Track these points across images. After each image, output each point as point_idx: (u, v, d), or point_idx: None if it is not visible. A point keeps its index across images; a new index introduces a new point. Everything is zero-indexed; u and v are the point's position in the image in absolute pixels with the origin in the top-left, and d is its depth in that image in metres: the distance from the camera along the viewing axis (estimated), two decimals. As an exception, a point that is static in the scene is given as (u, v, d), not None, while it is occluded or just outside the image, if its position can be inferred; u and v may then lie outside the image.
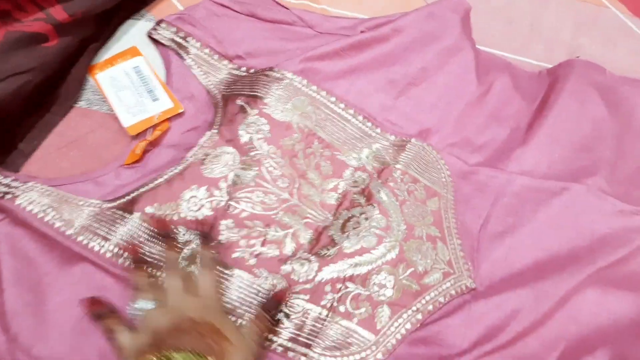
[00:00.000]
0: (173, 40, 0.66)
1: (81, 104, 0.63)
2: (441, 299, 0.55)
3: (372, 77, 0.67)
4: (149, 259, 0.52)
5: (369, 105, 0.66)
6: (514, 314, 0.53)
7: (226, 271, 0.53)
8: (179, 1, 0.72)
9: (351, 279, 0.54)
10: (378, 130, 0.64)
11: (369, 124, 0.64)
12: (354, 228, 0.56)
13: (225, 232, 0.54)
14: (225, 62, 0.67)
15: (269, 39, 0.69)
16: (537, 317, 0.53)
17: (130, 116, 0.61)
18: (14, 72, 0.54)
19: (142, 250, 0.53)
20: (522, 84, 0.72)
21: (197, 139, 0.60)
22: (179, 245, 0.53)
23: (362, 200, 0.58)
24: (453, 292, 0.55)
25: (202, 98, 0.65)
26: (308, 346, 0.52)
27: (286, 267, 0.54)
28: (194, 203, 0.55)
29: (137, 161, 0.59)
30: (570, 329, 0.54)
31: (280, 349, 0.51)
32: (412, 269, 0.55)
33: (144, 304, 0.48)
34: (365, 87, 0.66)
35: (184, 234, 0.54)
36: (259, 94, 0.61)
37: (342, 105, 0.64)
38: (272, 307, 0.52)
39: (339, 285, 0.54)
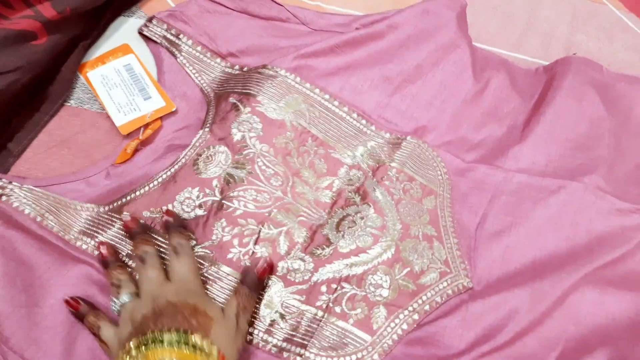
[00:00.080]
0: (165, 38, 0.66)
1: (71, 102, 0.62)
2: (438, 299, 0.54)
3: (367, 75, 0.66)
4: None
5: (363, 102, 0.65)
6: (511, 314, 0.53)
7: (220, 271, 0.53)
8: (170, -2, 0.71)
9: (347, 279, 0.53)
10: (373, 127, 0.64)
11: (364, 122, 0.64)
12: (349, 227, 0.56)
13: (219, 231, 0.54)
14: (218, 59, 0.66)
15: (262, 36, 0.68)
16: (535, 316, 0.52)
17: (121, 115, 0.61)
18: (1, 71, 0.54)
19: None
20: (518, 81, 0.71)
21: (190, 138, 0.59)
22: (153, 239, 0.53)
23: (357, 199, 0.58)
24: (450, 291, 0.55)
25: (195, 96, 0.64)
26: (303, 346, 0.51)
27: (281, 267, 0.54)
28: (188, 205, 0.55)
29: (128, 160, 0.58)
30: (569, 329, 0.53)
31: (275, 349, 0.51)
32: (409, 268, 0.55)
33: (122, 298, 0.48)
34: (359, 84, 0.65)
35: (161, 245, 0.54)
36: (251, 92, 0.60)
37: (336, 103, 0.64)
38: (253, 282, 0.51)
39: (334, 286, 0.53)
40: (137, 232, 0.53)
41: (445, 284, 0.55)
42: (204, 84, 0.64)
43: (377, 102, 0.65)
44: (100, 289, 0.51)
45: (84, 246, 0.52)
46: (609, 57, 0.75)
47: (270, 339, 0.51)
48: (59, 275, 0.51)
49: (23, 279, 0.50)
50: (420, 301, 0.54)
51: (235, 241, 0.54)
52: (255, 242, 0.54)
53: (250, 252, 0.54)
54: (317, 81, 0.64)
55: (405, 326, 0.53)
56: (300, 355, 0.51)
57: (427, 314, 0.53)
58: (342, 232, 0.55)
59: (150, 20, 0.67)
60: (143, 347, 0.40)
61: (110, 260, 0.51)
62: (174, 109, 0.62)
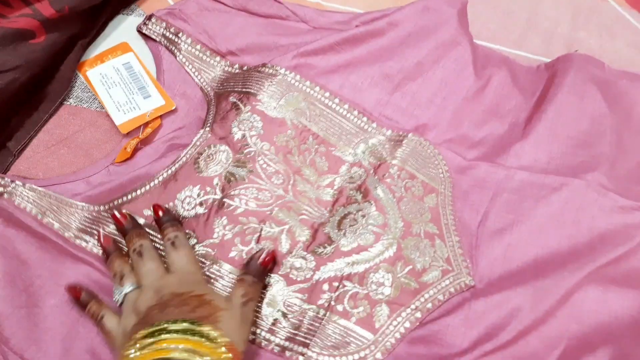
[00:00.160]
0: (164, 36, 0.66)
1: (70, 101, 0.62)
2: (440, 297, 0.54)
3: (367, 72, 0.66)
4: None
5: (363, 100, 0.65)
6: (514, 313, 0.52)
7: (221, 270, 0.53)
8: (169, -5, 0.71)
9: (349, 277, 0.53)
10: (374, 125, 0.63)
11: (365, 119, 0.63)
12: (350, 225, 0.55)
13: (220, 229, 0.54)
14: (218, 58, 0.66)
15: (261, 34, 0.68)
16: (538, 315, 0.52)
17: (121, 114, 0.61)
18: (0, 70, 0.53)
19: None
20: (520, 78, 0.71)
21: (190, 137, 0.59)
22: (147, 233, 0.53)
23: (359, 197, 0.57)
24: (452, 289, 0.54)
25: (195, 95, 0.64)
26: (306, 345, 0.51)
27: (283, 265, 0.53)
28: (188, 202, 0.54)
29: (128, 159, 0.58)
30: (572, 327, 0.53)
31: (277, 348, 0.51)
32: (410, 266, 0.55)
33: (125, 288, 0.48)
34: (359, 81, 0.65)
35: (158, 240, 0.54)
36: (251, 91, 0.60)
37: (336, 100, 0.63)
38: (257, 270, 0.51)
39: (336, 284, 0.53)
40: (129, 227, 0.52)
41: (447, 281, 0.55)
42: (204, 83, 0.64)
43: (378, 100, 0.65)
44: (100, 288, 0.51)
45: (83, 244, 0.52)
46: (611, 54, 0.75)
47: (272, 338, 0.51)
48: (58, 274, 0.51)
49: (23, 279, 0.50)
50: (422, 299, 0.53)
51: (237, 240, 0.53)
52: (257, 241, 0.54)
53: (253, 250, 0.53)
54: (317, 79, 0.63)
55: (407, 324, 0.52)
56: (303, 355, 0.50)
57: (430, 312, 0.53)
58: (343, 230, 0.55)
59: (149, 18, 0.66)
60: (151, 337, 0.40)
61: (111, 250, 0.51)
62: (173, 108, 0.62)
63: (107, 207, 0.54)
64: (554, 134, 0.64)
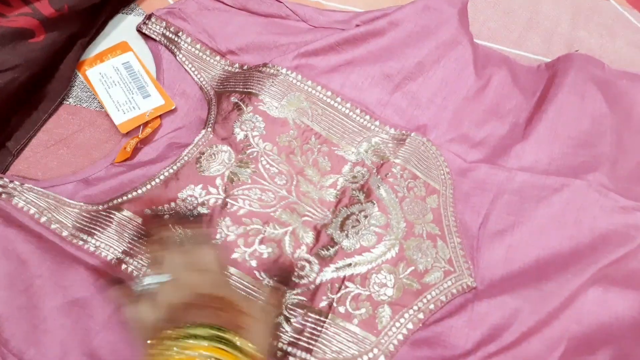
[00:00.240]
0: (164, 35, 0.65)
1: (70, 101, 0.62)
2: (443, 298, 0.54)
3: (367, 72, 0.65)
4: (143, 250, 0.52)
5: (365, 99, 0.65)
6: (516, 314, 0.52)
7: (225, 272, 0.52)
8: (169, -6, 0.71)
9: (351, 278, 0.53)
10: (377, 123, 0.63)
11: (367, 117, 0.63)
12: (352, 226, 0.55)
13: (223, 230, 0.53)
14: (218, 57, 0.65)
15: (261, 34, 0.68)
16: (541, 317, 0.52)
17: (120, 113, 0.60)
18: (-1, 69, 0.53)
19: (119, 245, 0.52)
20: (520, 78, 0.71)
21: (189, 136, 0.59)
22: (171, 225, 0.52)
23: (362, 197, 0.57)
24: (454, 290, 0.54)
25: (195, 94, 0.64)
26: (309, 351, 0.50)
27: (286, 268, 0.53)
28: (190, 202, 0.54)
29: (127, 159, 0.58)
30: (572, 328, 0.53)
31: (280, 353, 0.50)
32: (413, 267, 0.54)
33: (156, 278, 0.46)
34: (360, 81, 0.65)
35: (180, 233, 0.53)
36: (253, 91, 0.60)
37: (338, 99, 0.63)
38: (284, 282, 0.51)
39: (338, 285, 0.53)
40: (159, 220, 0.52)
41: (449, 282, 0.55)
42: (204, 82, 0.64)
43: (378, 100, 0.65)
44: (97, 290, 0.51)
45: (80, 242, 0.52)
46: (611, 53, 0.75)
47: (275, 343, 0.50)
48: (58, 274, 0.50)
49: (23, 279, 0.50)
50: (425, 300, 0.53)
51: (240, 241, 0.53)
52: (261, 242, 0.54)
53: (256, 252, 0.53)
54: (318, 78, 0.63)
55: (410, 325, 0.52)
56: None
57: (432, 313, 0.53)
58: (345, 232, 0.55)
59: (148, 17, 0.66)
60: (175, 340, 0.39)
61: (149, 231, 0.51)
62: (173, 107, 0.62)
63: (106, 206, 0.54)
64: (555, 134, 0.64)
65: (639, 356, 0.52)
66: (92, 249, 0.51)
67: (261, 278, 0.52)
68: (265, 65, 0.62)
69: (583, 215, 0.58)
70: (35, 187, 0.53)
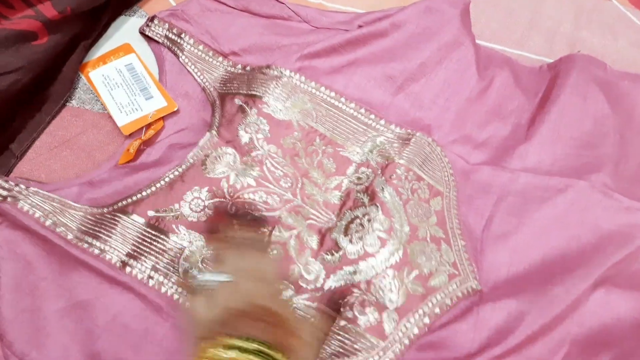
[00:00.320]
0: (167, 37, 0.65)
1: (73, 103, 0.62)
2: (448, 302, 0.54)
3: (370, 73, 0.65)
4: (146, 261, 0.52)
5: (368, 99, 0.65)
6: (522, 317, 0.52)
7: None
8: (171, -4, 0.71)
9: (357, 284, 0.53)
10: (382, 122, 0.63)
11: (372, 116, 0.63)
12: (356, 231, 0.55)
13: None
14: (220, 58, 0.65)
15: (264, 35, 0.67)
16: (546, 320, 0.52)
17: (123, 115, 0.60)
18: (2, 72, 0.53)
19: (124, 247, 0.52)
20: (522, 79, 0.70)
21: (192, 138, 0.59)
22: (261, 228, 0.53)
23: (366, 200, 0.57)
24: (459, 294, 0.54)
25: (197, 96, 0.64)
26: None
27: (292, 272, 0.53)
28: (196, 204, 0.54)
29: (131, 161, 0.58)
30: (574, 330, 0.53)
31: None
32: (417, 271, 0.54)
33: (216, 276, 0.46)
34: (362, 82, 0.65)
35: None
36: (257, 93, 0.60)
37: (342, 100, 0.63)
38: (336, 307, 0.50)
39: (345, 292, 0.52)
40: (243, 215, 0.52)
41: (454, 286, 0.55)
42: (207, 83, 0.64)
43: (381, 102, 0.65)
44: (100, 293, 0.51)
45: (85, 245, 0.52)
46: (614, 54, 0.75)
47: None
48: (63, 277, 0.50)
49: (29, 282, 0.50)
50: (430, 304, 0.53)
51: None
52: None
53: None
54: (321, 80, 0.63)
55: (416, 330, 0.52)
56: None
57: (438, 317, 0.53)
58: (349, 236, 0.55)
59: (151, 19, 0.66)
60: (222, 348, 0.39)
61: (216, 227, 0.51)
62: (176, 109, 0.62)
63: (111, 209, 0.54)
64: (558, 135, 0.64)
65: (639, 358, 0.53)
66: (96, 252, 0.51)
67: None
68: (268, 67, 0.62)
69: (586, 216, 0.58)
70: (40, 191, 0.53)
